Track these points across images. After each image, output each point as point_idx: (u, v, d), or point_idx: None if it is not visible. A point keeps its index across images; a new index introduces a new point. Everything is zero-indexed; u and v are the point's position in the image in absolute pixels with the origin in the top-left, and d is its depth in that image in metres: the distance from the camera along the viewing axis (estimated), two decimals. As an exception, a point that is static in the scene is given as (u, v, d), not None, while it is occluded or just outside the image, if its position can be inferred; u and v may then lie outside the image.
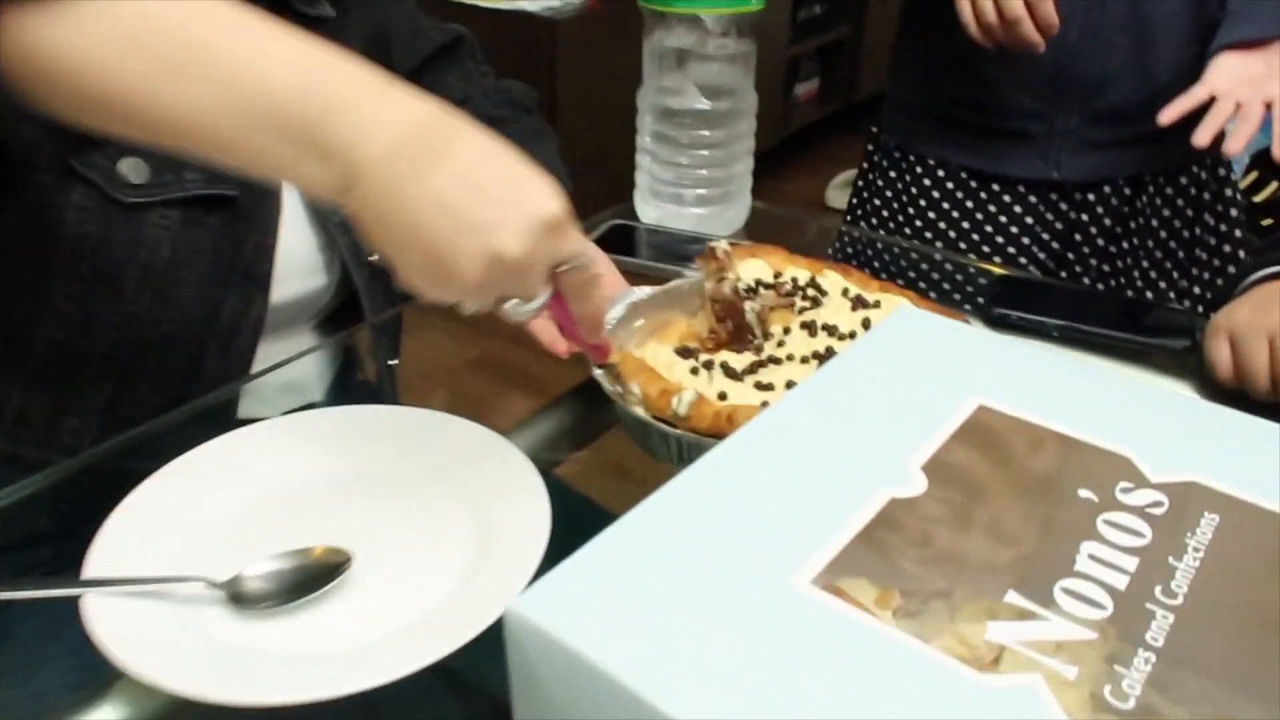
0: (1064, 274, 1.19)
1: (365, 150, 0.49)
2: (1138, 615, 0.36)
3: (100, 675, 0.50)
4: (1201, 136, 0.91)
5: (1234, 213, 1.15)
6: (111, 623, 0.49)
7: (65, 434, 0.73)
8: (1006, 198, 1.15)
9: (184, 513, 0.58)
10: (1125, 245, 1.16)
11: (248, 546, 0.55)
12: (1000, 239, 1.16)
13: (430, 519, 0.60)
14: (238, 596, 0.52)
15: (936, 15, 1.02)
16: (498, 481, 0.60)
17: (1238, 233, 1.15)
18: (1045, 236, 1.17)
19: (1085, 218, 1.16)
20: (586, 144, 1.79)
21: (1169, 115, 0.94)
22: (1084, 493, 0.42)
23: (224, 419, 0.75)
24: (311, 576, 0.54)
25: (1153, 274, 1.16)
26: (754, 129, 1.01)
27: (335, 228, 0.82)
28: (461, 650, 0.48)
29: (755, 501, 0.41)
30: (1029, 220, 1.16)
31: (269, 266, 0.76)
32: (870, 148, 1.28)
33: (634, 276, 0.80)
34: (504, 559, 0.54)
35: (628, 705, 0.33)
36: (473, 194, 0.49)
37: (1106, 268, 1.18)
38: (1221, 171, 1.15)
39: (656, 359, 0.72)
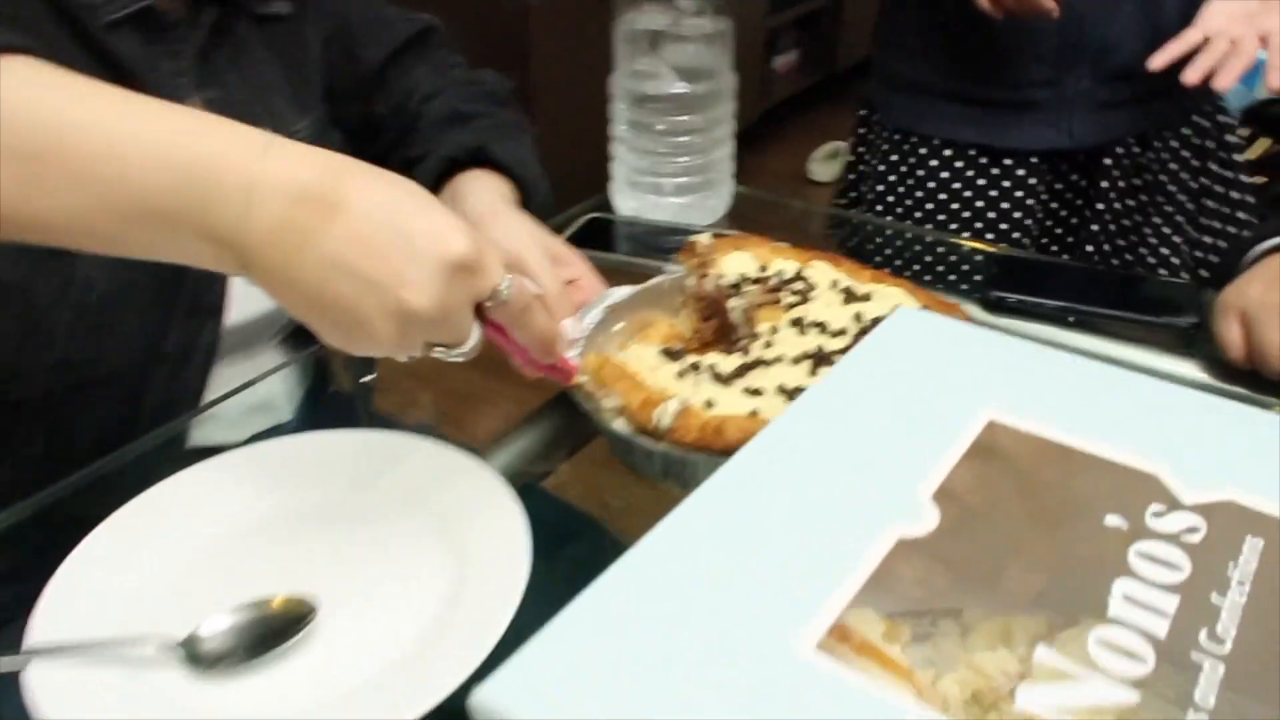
0: (1075, 244, 1.17)
1: (250, 231, 0.47)
2: (1183, 668, 0.32)
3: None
4: (1191, 74, 0.90)
5: (1237, 157, 1.14)
6: (58, 695, 0.46)
7: None
8: (1020, 171, 1.13)
9: (133, 566, 0.54)
10: (1135, 203, 1.14)
11: (204, 598, 0.52)
12: (1017, 214, 1.14)
13: (400, 554, 0.56)
14: (195, 657, 0.49)
15: None
16: (471, 507, 0.57)
17: (1243, 178, 1.14)
18: (1055, 206, 1.15)
19: (1098, 183, 1.14)
20: (563, 132, 1.75)
21: (1160, 60, 0.93)
22: (1112, 520, 0.38)
23: (173, 452, 0.71)
24: (273, 630, 0.50)
25: (1165, 229, 1.14)
26: (734, 111, 0.96)
27: None
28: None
29: (750, 549, 0.37)
30: (1041, 192, 1.14)
31: (220, 291, 0.72)
32: (863, 130, 1.24)
33: (613, 273, 0.76)
34: (481, 597, 0.51)
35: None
36: (367, 251, 0.47)
37: (1115, 228, 1.15)
38: (1222, 118, 1.13)
39: (641, 361, 0.68)
